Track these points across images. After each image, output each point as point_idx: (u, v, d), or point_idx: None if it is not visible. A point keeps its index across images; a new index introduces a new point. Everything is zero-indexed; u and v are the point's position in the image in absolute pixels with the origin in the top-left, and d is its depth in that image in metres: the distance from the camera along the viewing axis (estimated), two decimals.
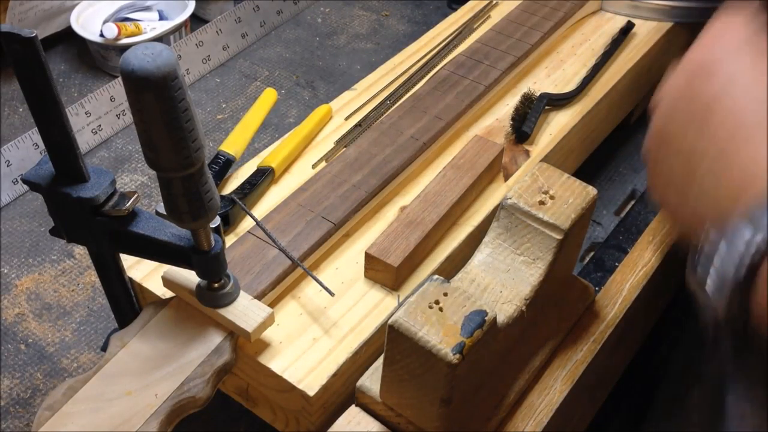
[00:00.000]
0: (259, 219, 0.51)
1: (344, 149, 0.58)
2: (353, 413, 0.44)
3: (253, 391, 0.48)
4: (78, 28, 0.83)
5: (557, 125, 0.62)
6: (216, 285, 0.43)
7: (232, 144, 0.59)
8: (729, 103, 0.43)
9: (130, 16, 0.87)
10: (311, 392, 0.43)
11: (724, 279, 0.39)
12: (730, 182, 0.41)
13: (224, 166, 0.58)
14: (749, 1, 0.49)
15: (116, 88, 0.77)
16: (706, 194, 0.42)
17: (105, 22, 0.85)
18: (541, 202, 0.45)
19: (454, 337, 0.37)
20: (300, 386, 0.44)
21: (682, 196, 0.45)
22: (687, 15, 0.72)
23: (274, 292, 0.48)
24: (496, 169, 0.57)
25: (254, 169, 0.57)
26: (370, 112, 0.62)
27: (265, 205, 0.54)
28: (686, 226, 0.45)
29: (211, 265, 0.42)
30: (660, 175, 0.48)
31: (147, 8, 0.88)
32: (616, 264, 0.54)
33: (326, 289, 0.47)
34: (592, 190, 0.46)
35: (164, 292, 0.47)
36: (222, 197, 0.54)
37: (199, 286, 0.44)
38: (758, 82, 0.42)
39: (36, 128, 0.44)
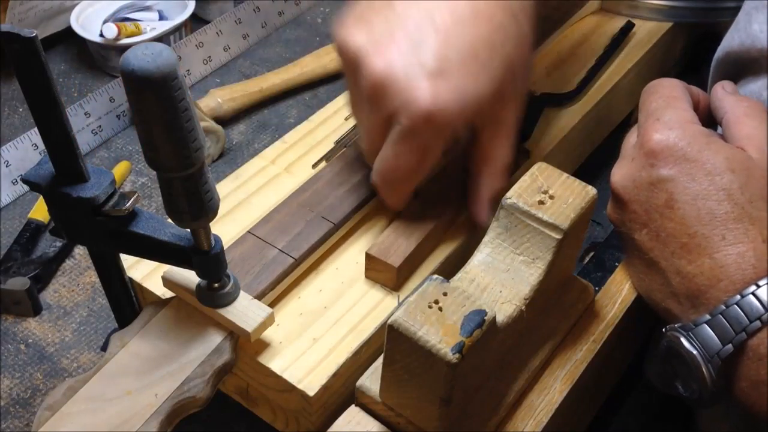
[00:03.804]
0: (259, 218, 0.51)
1: (344, 149, 0.58)
2: (353, 413, 0.44)
3: (253, 391, 0.48)
4: (78, 28, 0.83)
5: (557, 125, 0.62)
6: (216, 285, 0.43)
7: (42, 210, 0.68)
8: (687, 198, 0.45)
9: (130, 16, 0.87)
10: (311, 392, 0.43)
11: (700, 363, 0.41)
12: (703, 268, 0.43)
13: (35, 231, 0.67)
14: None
15: (116, 88, 0.77)
16: (679, 271, 0.44)
17: (105, 22, 0.85)
18: (541, 202, 0.45)
19: (453, 336, 0.37)
20: (300, 386, 0.44)
21: (652, 268, 0.46)
22: (687, 15, 0.72)
23: (274, 292, 0.48)
24: None
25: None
26: None
27: (265, 205, 0.54)
28: (655, 292, 0.46)
29: (211, 265, 0.42)
30: (626, 247, 0.50)
31: (147, 8, 0.88)
32: (616, 264, 0.54)
33: None
34: (591, 190, 0.46)
35: (164, 292, 0.47)
36: (32, 261, 0.64)
37: (199, 286, 0.44)
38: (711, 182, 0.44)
39: (36, 128, 0.44)
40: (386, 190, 0.50)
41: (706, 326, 0.41)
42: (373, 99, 0.46)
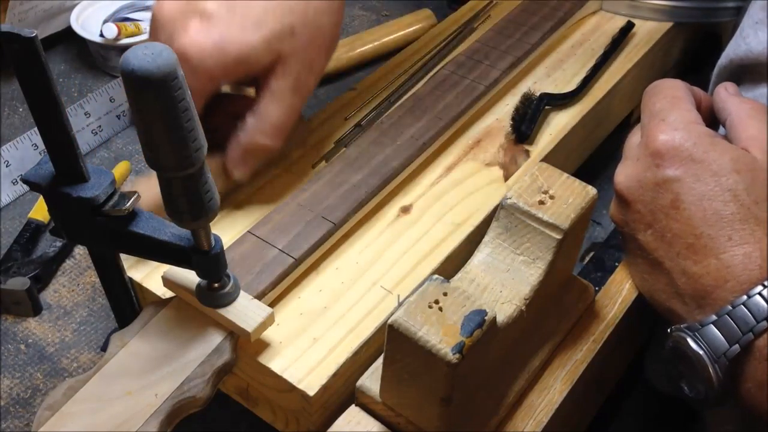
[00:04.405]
0: (259, 219, 0.51)
1: (344, 149, 0.58)
2: (353, 413, 0.44)
3: (253, 391, 0.48)
4: (78, 28, 0.83)
5: (557, 125, 0.62)
6: (216, 285, 0.43)
7: (41, 210, 0.68)
8: (694, 198, 0.45)
9: (130, 16, 0.87)
10: (311, 392, 0.43)
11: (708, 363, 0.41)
12: (709, 268, 0.43)
13: (35, 231, 0.67)
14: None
15: (116, 88, 0.77)
16: (685, 271, 0.44)
17: (105, 22, 0.85)
18: (541, 202, 0.45)
19: (453, 336, 0.37)
20: (300, 386, 0.44)
21: (655, 268, 0.46)
22: (687, 15, 0.72)
23: (274, 292, 0.48)
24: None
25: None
26: (370, 112, 0.62)
27: (265, 205, 0.54)
28: (660, 293, 0.47)
29: (211, 265, 0.42)
30: (630, 248, 0.49)
31: (147, 8, 0.88)
32: (616, 264, 0.54)
33: None
34: (592, 190, 0.46)
35: (164, 292, 0.47)
36: (32, 261, 0.64)
37: (199, 286, 0.44)
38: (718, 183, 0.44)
39: (36, 128, 0.44)
40: None
41: (712, 327, 0.41)
42: (150, 36, 0.50)
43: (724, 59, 0.56)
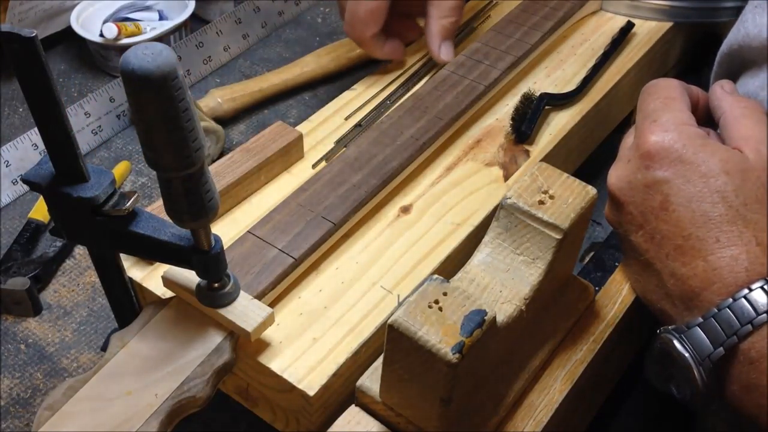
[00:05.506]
0: (259, 218, 0.51)
1: (344, 149, 0.58)
2: (353, 413, 0.44)
3: (253, 391, 0.48)
4: (78, 28, 0.83)
5: (557, 125, 0.62)
6: (216, 285, 0.43)
7: (41, 210, 0.68)
8: (682, 200, 0.45)
9: (130, 16, 0.87)
10: (311, 392, 0.43)
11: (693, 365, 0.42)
12: (697, 270, 0.43)
13: (35, 231, 0.67)
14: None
15: (116, 88, 0.77)
16: (674, 273, 0.44)
17: (105, 22, 0.85)
18: (541, 202, 0.45)
19: (453, 336, 0.37)
20: (300, 386, 0.44)
21: (647, 270, 0.46)
22: (687, 15, 0.72)
23: (274, 292, 0.48)
24: (293, 157, 0.58)
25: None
26: (370, 112, 0.62)
27: (265, 205, 0.54)
28: (652, 294, 0.47)
29: (211, 265, 0.42)
30: (624, 248, 0.50)
31: (147, 8, 0.88)
32: (616, 264, 0.54)
33: None
34: (591, 190, 0.46)
35: (164, 292, 0.47)
36: (32, 261, 0.64)
37: (199, 285, 0.44)
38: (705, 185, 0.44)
39: (36, 128, 0.44)
40: (355, 34, 0.65)
41: (698, 329, 0.41)
42: None
43: (724, 46, 0.56)
